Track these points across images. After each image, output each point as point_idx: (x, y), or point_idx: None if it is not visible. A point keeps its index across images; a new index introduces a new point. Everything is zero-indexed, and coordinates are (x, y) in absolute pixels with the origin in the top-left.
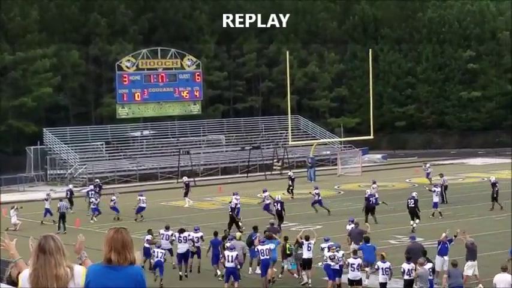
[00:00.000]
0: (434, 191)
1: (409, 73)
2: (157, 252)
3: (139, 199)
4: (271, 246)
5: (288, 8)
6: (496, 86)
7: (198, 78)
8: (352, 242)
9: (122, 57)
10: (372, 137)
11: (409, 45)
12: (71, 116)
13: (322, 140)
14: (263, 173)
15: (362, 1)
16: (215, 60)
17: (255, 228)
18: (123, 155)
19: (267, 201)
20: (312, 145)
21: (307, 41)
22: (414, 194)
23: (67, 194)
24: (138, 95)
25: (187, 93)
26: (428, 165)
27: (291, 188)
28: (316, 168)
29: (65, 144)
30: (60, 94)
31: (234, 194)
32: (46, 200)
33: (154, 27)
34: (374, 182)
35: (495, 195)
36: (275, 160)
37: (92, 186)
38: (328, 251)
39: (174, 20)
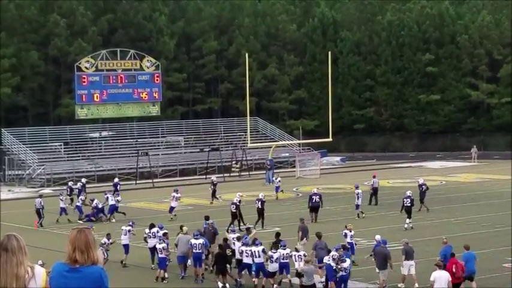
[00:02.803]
0: (358, 193)
1: (368, 76)
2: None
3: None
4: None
5: (247, 10)
6: (455, 90)
7: (157, 80)
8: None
9: (81, 58)
10: (330, 139)
11: (368, 48)
12: (29, 117)
13: (281, 142)
14: (222, 175)
15: (321, 4)
16: (174, 62)
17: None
18: (82, 156)
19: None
20: (270, 147)
21: (266, 43)
22: (409, 193)
23: (67, 190)
24: (97, 96)
25: (146, 94)
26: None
27: (215, 193)
28: (275, 171)
29: (23, 144)
30: (19, 94)
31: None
32: (61, 199)
33: (114, 28)
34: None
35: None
36: (234, 162)
37: (80, 185)
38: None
39: (134, 21)
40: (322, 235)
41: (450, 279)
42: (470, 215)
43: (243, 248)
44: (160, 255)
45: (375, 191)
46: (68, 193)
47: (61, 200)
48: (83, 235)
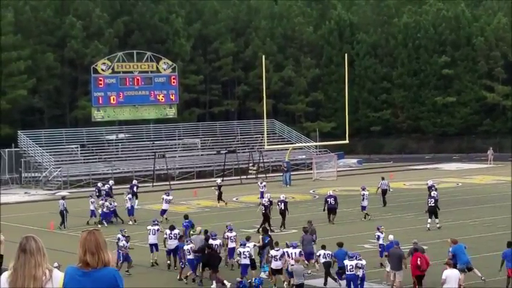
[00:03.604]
0: (363, 194)
1: (385, 78)
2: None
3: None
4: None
5: (264, 12)
6: (471, 92)
7: (173, 82)
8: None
9: (98, 60)
10: (347, 141)
11: (385, 50)
12: (45, 119)
13: (297, 145)
14: (238, 177)
15: (338, 6)
16: (191, 64)
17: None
18: (98, 158)
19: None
20: (287, 149)
21: (283, 45)
22: (434, 193)
23: (132, 188)
24: (113, 98)
25: (163, 96)
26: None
27: (221, 195)
28: (292, 173)
29: (39, 147)
30: (35, 97)
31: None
32: (92, 202)
33: (130, 30)
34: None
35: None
36: (250, 164)
37: (107, 187)
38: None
39: (150, 23)
40: (308, 230)
41: (461, 277)
42: (486, 216)
43: (241, 249)
44: (188, 257)
45: (383, 193)
46: (97, 194)
47: (91, 202)
48: (93, 237)
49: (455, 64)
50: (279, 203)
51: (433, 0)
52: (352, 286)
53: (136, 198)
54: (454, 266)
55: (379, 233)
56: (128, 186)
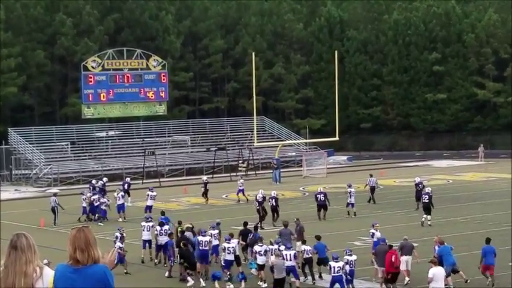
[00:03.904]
0: (350, 191)
1: (375, 75)
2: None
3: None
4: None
5: (254, 9)
6: (462, 89)
7: (163, 79)
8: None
9: (88, 58)
10: (337, 138)
11: (375, 47)
12: (36, 116)
13: (287, 142)
14: (228, 174)
15: (328, 3)
16: (181, 61)
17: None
18: (89, 156)
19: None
20: (277, 146)
21: (273, 42)
22: (428, 189)
23: (124, 185)
24: (103, 95)
25: (152, 93)
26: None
27: (206, 192)
28: (282, 170)
29: (30, 144)
30: (25, 94)
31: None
32: (83, 199)
33: (120, 27)
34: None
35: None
36: (240, 161)
37: (101, 183)
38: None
39: (140, 21)
40: (288, 224)
41: (444, 274)
42: (477, 213)
43: (225, 245)
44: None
45: (371, 190)
46: (90, 191)
47: (83, 199)
48: (82, 234)
49: (446, 61)
50: (270, 200)
51: None
52: (338, 286)
53: (129, 195)
54: (440, 264)
55: (373, 230)
56: (120, 183)
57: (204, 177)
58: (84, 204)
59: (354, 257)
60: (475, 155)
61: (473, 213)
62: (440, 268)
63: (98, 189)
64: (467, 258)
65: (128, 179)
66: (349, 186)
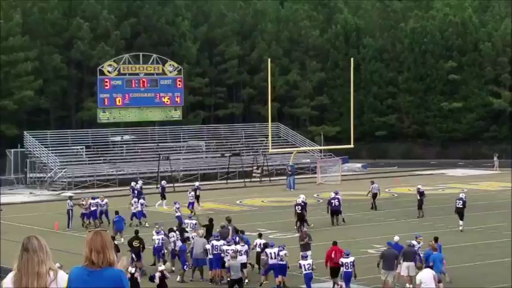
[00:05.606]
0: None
1: (391, 83)
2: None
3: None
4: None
5: (270, 15)
6: (477, 97)
7: (179, 84)
8: None
9: (104, 62)
10: (352, 146)
11: (391, 55)
12: (51, 120)
13: (302, 148)
14: (242, 180)
15: (344, 10)
16: (197, 67)
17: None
18: (103, 160)
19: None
20: (291, 153)
21: (289, 49)
22: (462, 195)
23: (160, 188)
24: (119, 100)
25: (168, 98)
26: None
27: (198, 198)
28: (296, 177)
29: (45, 147)
30: (41, 97)
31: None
32: (131, 203)
33: (137, 32)
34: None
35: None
36: (255, 167)
37: (139, 187)
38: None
39: (157, 26)
40: (231, 219)
41: (435, 275)
42: (491, 223)
43: (224, 248)
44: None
45: (374, 197)
46: (133, 194)
47: (131, 204)
48: (99, 237)
49: (462, 69)
50: (298, 206)
51: (440, 5)
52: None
53: (164, 198)
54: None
55: (415, 242)
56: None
57: (196, 183)
58: (134, 210)
59: (350, 259)
60: (491, 165)
61: (488, 223)
62: (426, 271)
63: (136, 192)
64: (481, 268)
65: (163, 182)
66: (336, 194)
